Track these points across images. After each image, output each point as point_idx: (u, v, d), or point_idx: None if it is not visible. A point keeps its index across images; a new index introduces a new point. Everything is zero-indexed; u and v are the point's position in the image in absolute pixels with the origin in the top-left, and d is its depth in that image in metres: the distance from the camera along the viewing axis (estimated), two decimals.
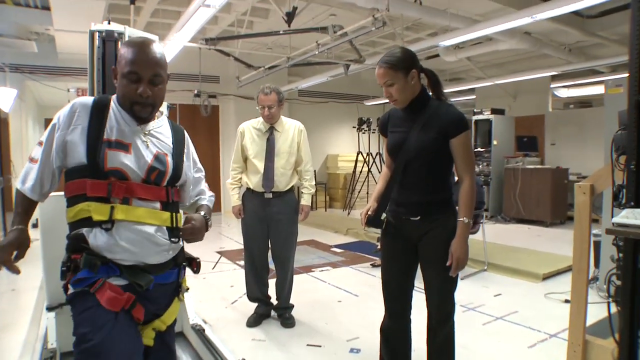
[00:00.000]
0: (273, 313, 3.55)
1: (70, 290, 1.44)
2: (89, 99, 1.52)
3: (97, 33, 2.41)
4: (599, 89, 8.90)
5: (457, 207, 2.07)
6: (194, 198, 1.76)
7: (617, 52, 7.19)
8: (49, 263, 2.27)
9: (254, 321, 3.43)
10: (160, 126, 1.61)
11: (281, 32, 5.80)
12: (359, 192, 9.61)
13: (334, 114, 10.98)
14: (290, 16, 5.30)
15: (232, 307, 3.88)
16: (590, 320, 2.72)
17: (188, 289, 2.88)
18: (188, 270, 1.68)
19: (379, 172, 9.43)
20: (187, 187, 1.71)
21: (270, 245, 3.41)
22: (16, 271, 1.39)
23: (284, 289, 3.43)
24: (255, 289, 3.45)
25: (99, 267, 1.40)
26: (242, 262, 5.30)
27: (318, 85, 9.23)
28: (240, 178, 3.38)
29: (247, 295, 3.52)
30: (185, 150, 1.68)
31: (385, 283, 2.21)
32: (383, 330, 2.24)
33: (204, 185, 1.81)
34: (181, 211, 1.65)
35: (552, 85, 9.75)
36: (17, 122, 7.51)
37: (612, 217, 1.84)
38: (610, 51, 7.49)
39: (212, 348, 2.47)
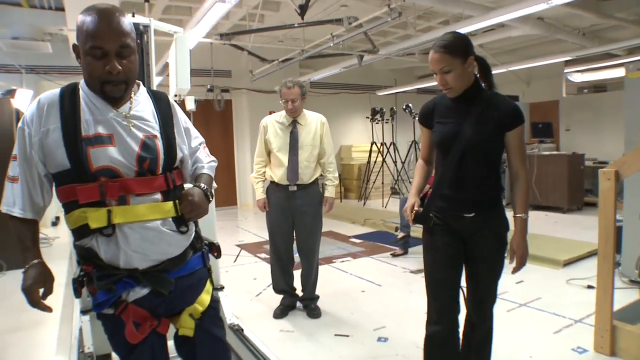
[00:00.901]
0: (299, 304, 3.61)
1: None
2: (55, 92, 1.35)
3: None
4: (614, 73, 8.75)
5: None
6: (192, 170, 1.58)
7: (636, 33, 7.04)
8: None
9: (281, 312, 3.48)
10: (140, 103, 1.41)
11: (296, 25, 5.81)
12: (374, 182, 9.61)
13: (347, 104, 10.96)
14: (303, 9, 5.30)
15: (257, 300, 3.94)
16: (614, 306, 2.74)
17: (223, 287, 2.92)
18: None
19: (394, 162, 9.47)
20: (187, 163, 1.54)
21: (295, 237, 3.46)
22: (48, 310, 1.31)
23: (310, 280, 3.48)
24: (281, 281, 3.50)
25: (115, 289, 1.33)
26: (262, 255, 5.39)
27: (330, 76, 9.20)
28: (264, 172, 3.43)
29: (273, 287, 3.58)
30: (175, 122, 1.48)
31: (433, 283, 2.01)
32: (429, 335, 2.02)
33: (201, 152, 1.61)
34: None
35: (565, 70, 9.62)
36: None
37: None
38: (628, 33, 7.34)
39: (254, 349, 2.40)
